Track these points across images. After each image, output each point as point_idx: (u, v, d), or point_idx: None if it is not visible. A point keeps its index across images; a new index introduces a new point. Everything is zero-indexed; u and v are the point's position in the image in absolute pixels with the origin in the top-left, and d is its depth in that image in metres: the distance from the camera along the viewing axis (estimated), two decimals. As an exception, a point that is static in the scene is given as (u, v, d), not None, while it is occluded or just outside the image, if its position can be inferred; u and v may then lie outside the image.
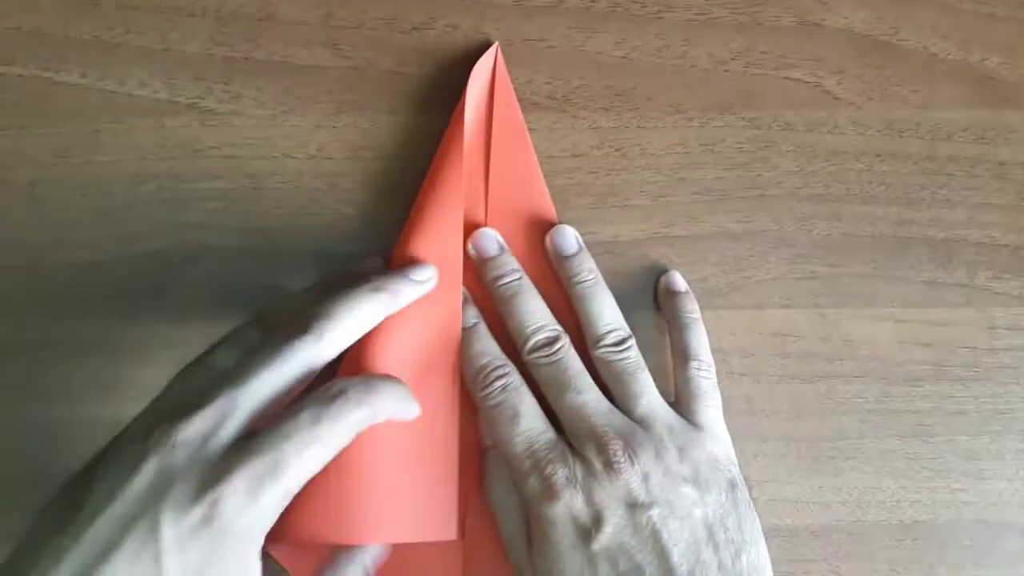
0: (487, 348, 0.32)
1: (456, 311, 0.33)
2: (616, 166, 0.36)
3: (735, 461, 0.32)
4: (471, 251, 0.34)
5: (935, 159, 0.36)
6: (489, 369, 0.32)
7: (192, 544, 0.23)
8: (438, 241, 0.33)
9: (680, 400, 0.33)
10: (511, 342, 0.33)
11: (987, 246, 0.36)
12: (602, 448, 0.30)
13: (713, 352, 0.35)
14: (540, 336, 0.32)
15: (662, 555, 0.29)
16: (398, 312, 0.30)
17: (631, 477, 0.29)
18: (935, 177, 0.36)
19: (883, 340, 0.35)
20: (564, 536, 0.29)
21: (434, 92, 0.36)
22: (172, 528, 0.23)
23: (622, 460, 0.30)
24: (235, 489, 0.24)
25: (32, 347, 0.34)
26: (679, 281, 0.35)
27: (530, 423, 0.31)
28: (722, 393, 0.34)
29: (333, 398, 0.26)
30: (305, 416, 0.25)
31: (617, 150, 0.36)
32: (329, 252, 0.35)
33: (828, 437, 0.35)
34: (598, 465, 0.30)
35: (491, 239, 0.34)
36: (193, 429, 0.24)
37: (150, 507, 0.23)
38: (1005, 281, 0.36)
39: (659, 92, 0.36)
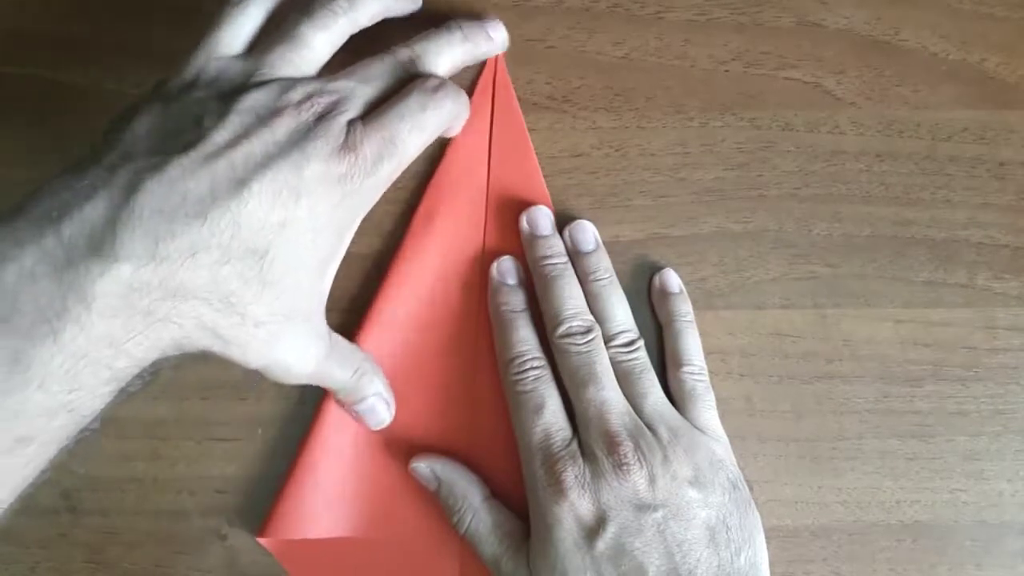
0: (529, 338, 0.33)
1: (473, 285, 0.34)
2: (616, 166, 0.36)
3: (734, 460, 0.32)
4: (523, 226, 0.34)
5: (935, 159, 0.36)
6: (527, 357, 0.32)
7: (325, 193, 0.27)
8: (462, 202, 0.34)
9: (675, 403, 0.33)
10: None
11: (987, 246, 0.36)
12: (613, 448, 0.30)
13: (713, 352, 0.35)
14: (575, 323, 0.32)
15: (664, 556, 0.29)
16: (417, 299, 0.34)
17: (639, 479, 0.30)
18: (935, 177, 0.36)
19: (883, 340, 0.35)
20: (568, 535, 0.29)
21: (434, 92, 0.36)
22: (314, 177, 0.27)
23: (632, 462, 0.30)
24: (365, 157, 0.28)
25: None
26: (673, 281, 0.35)
27: (552, 417, 0.31)
28: (722, 393, 0.34)
29: (435, 89, 0.30)
30: (414, 103, 0.29)
31: (617, 150, 0.36)
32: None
33: (828, 437, 0.35)
34: (608, 465, 0.30)
35: (546, 218, 0.34)
36: (328, 98, 0.28)
37: (293, 152, 0.26)
38: (1005, 281, 0.36)
39: (659, 92, 0.36)
